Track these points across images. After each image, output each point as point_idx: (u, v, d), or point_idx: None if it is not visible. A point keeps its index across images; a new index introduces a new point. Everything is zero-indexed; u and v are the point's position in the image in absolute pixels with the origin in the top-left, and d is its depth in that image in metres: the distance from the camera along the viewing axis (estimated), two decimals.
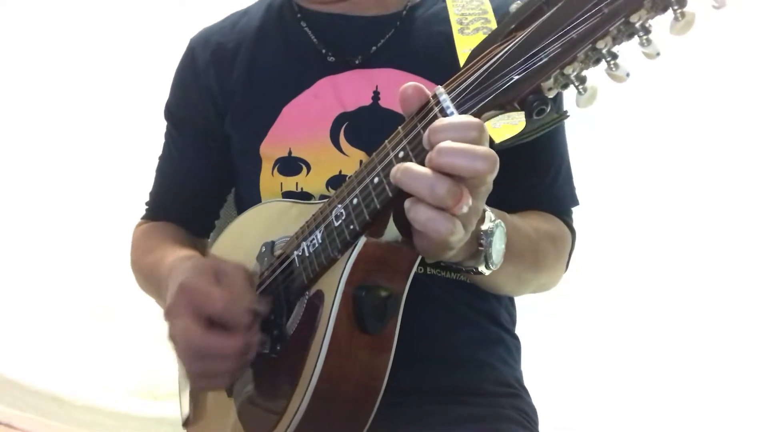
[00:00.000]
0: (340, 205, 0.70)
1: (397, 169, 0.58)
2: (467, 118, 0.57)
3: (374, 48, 0.94)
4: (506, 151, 0.93)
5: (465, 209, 0.56)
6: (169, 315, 0.76)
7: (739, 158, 1.98)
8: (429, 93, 0.62)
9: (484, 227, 0.70)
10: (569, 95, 0.56)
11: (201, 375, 0.76)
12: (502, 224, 0.72)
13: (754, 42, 1.92)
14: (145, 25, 2.22)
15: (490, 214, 0.71)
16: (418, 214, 0.57)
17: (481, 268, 0.72)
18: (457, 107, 0.59)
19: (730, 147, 1.98)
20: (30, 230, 2.08)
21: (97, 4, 2.24)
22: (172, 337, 0.76)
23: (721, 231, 1.97)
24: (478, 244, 0.70)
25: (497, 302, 0.97)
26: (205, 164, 1.05)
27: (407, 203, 0.58)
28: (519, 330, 1.01)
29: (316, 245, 0.73)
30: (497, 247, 0.71)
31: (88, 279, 2.01)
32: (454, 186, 0.55)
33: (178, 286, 0.76)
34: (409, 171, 0.57)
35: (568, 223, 0.98)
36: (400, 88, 0.62)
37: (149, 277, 0.99)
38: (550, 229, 0.92)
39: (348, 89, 0.93)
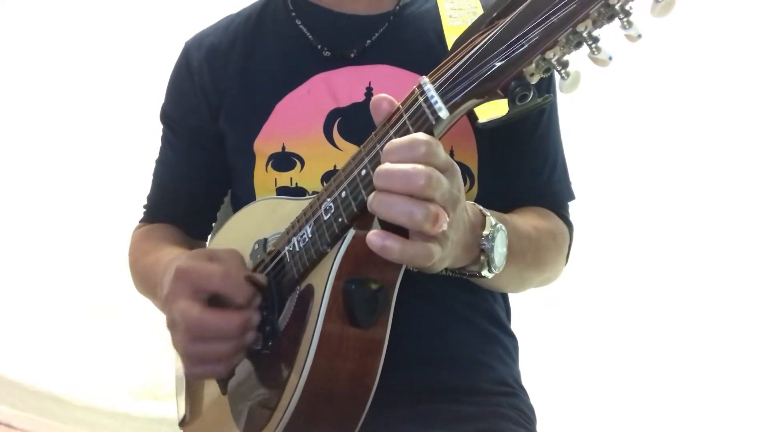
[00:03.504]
0: (329, 199, 0.70)
1: (372, 199, 0.59)
2: (413, 137, 0.58)
3: (367, 44, 0.95)
4: (501, 147, 0.95)
5: (445, 226, 0.57)
6: (167, 301, 0.76)
7: (736, 151, 1.97)
8: (397, 104, 0.63)
9: (485, 232, 0.70)
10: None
11: (200, 359, 0.75)
12: (503, 228, 0.72)
13: (746, 26, 1.91)
14: (144, 26, 2.22)
15: (490, 218, 0.72)
16: (395, 255, 0.58)
17: (484, 273, 0.72)
18: (442, 96, 0.59)
19: (726, 140, 1.97)
20: (30, 231, 2.09)
21: (96, 5, 2.25)
22: (172, 323, 0.76)
23: (719, 228, 1.96)
24: (480, 250, 0.70)
25: (494, 300, 0.97)
26: (201, 166, 1.05)
27: (377, 245, 0.58)
28: (516, 328, 1.01)
29: (306, 240, 0.73)
30: (499, 251, 0.71)
31: (88, 279, 2.01)
32: (430, 208, 0.57)
33: (174, 271, 0.76)
34: (384, 201, 0.58)
35: (566, 217, 0.98)
36: (371, 99, 0.64)
37: (146, 279, 0.99)
38: (549, 226, 0.92)
39: (341, 85, 0.93)
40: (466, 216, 0.67)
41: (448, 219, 0.58)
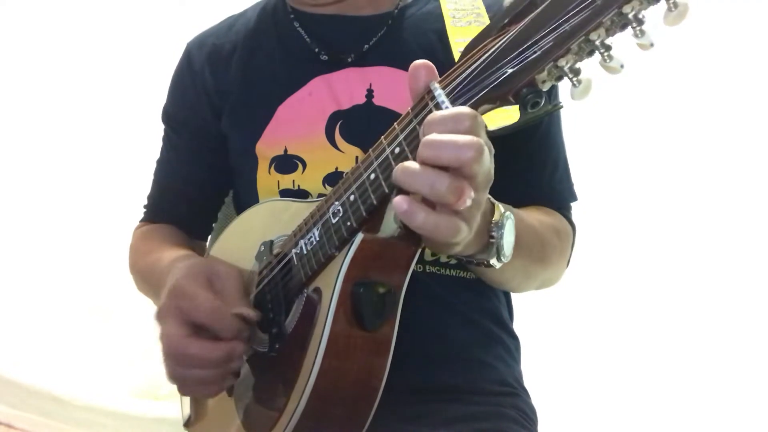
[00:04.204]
0: (337, 203, 0.70)
1: (397, 168, 0.57)
2: (459, 109, 0.56)
3: (366, 46, 0.95)
4: (504, 147, 0.94)
5: (468, 202, 0.55)
6: (158, 317, 0.77)
7: (740, 154, 1.97)
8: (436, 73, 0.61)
9: (494, 219, 0.70)
10: (565, 86, 0.55)
11: (182, 381, 0.76)
12: (512, 216, 0.72)
13: (753, 33, 1.91)
14: (145, 27, 2.22)
15: (499, 206, 0.71)
16: (418, 221, 0.56)
17: (493, 261, 0.71)
18: (452, 102, 0.59)
19: (730, 144, 1.97)
20: (30, 231, 2.08)
21: (97, 5, 2.24)
22: (160, 338, 0.77)
23: (721, 230, 1.97)
24: (489, 236, 0.70)
25: (497, 300, 0.97)
26: (202, 167, 1.05)
27: (405, 211, 0.56)
28: (518, 329, 1.01)
29: (314, 243, 0.73)
30: (508, 239, 0.71)
31: (88, 279, 2.01)
32: (454, 181, 0.54)
33: (168, 288, 0.76)
34: (409, 170, 0.56)
35: (568, 218, 0.98)
36: (410, 65, 0.62)
37: (146, 279, 0.99)
38: (553, 223, 0.92)
39: (342, 87, 0.93)
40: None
41: (473, 195, 0.56)
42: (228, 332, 0.74)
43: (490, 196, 0.72)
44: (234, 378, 0.79)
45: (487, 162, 0.57)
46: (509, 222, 0.71)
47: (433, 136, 0.55)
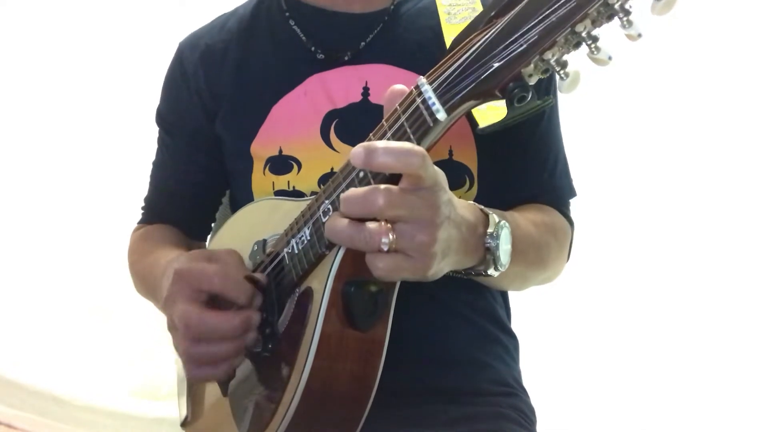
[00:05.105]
0: (327, 201, 0.69)
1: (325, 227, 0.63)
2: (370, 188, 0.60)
3: (363, 44, 0.94)
4: (503, 144, 0.94)
5: (385, 248, 0.59)
6: (166, 303, 0.76)
7: (737, 149, 1.96)
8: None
9: (489, 230, 0.70)
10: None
11: (200, 361, 0.74)
12: (507, 225, 0.72)
13: (748, 23, 1.90)
14: (144, 26, 2.22)
15: (493, 216, 0.71)
16: (378, 271, 0.61)
17: (490, 271, 0.71)
18: (439, 97, 0.59)
19: (727, 138, 1.96)
20: (30, 231, 2.09)
21: (96, 4, 2.24)
22: (172, 325, 0.76)
23: (720, 226, 1.95)
24: (485, 248, 0.70)
25: (494, 299, 0.97)
26: (197, 168, 1.04)
27: (368, 262, 0.61)
28: (516, 328, 1.00)
29: (305, 242, 0.73)
30: (504, 248, 0.71)
31: (88, 279, 2.01)
32: (366, 230, 0.59)
33: (173, 273, 0.75)
34: (331, 229, 0.62)
35: (567, 215, 0.97)
36: (388, 88, 0.64)
37: (145, 280, 0.99)
38: (549, 222, 0.91)
39: (337, 86, 0.92)
40: (461, 220, 0.66)
41: (391, 237, 0.59)
42: (243, 296, 0.74)
43: (483, 207, 0.72)
44: (232, 373, 0.78)
45: (422, 196, 0.59)
46: (504, 231, 0.71)
47: (349, 193, 0.60)
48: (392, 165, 0.57)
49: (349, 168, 0.66)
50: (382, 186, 0.58)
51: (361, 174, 0.64)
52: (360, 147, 0.58)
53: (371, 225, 0.59)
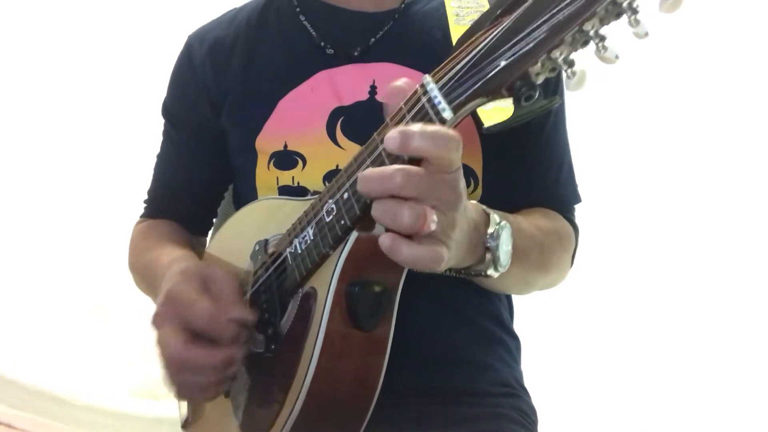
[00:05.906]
0: (330, 201, 0.68)
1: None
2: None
3: (372, 41, 0.94)
4: (507, 149, 0.94)
5: (433, 226, 0.56)
6: (154, 323, 0.76)
7: (745, 153, 1.95)
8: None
9: (490, 230, 0.69)
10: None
11: (181, 387, 0.76)
12: (508, 225, 0.71)
13: (756, 23, 1.89)
14: (146, 21, 2.21)
15: (494, 216, 0.71)
16: (402, 256, 0.58)
17: (490, 272, 0.71)
18: (445, 96, 0.58)
19: (735, 141, 1.95)
20: (30, 230, 2.08)
21: (97, 2, 2.24)
22: (158, 344, 0.76)
23: (724, 232, 1.95)
24: (485, 248, 0.69)
25: (498, 300, 0.96)
26: (202, 162, 1.04)
27: (388, 248, 0.58)
28: (518, 329, 1.00)
29: (308, 242, 0.72)
30: (504, 249, 0.70)
31: (88, 279, 2.01)
32: (413, 208, 0.56)
33: (164, 294, 0.75)
34: (378, 208, 0.58)
35: (571, 220, 0.97)
36: (391, 83, 0.62)
37: (145, 277, 0.99)
38: (554, 227, 0.91)
39: (345, 83, 0.92)
40: (469, 215, 0.66)
41: (435, 219, 0.57)
42: (226, 338, 0.73)
43: (485, 207, 0.72)
44: (231, 381, 0.78)
45: (447, 180, 0.58)
46: (505, 232, 0.71)
47: (367, 171, 0.58)
48: (429, 149, 0.56)
49: (353, 167, 0.66)
50: (412, 168, 0.56)
51: None
52: (395, 131, 0.56)
53: (416, 204, 0.57)
